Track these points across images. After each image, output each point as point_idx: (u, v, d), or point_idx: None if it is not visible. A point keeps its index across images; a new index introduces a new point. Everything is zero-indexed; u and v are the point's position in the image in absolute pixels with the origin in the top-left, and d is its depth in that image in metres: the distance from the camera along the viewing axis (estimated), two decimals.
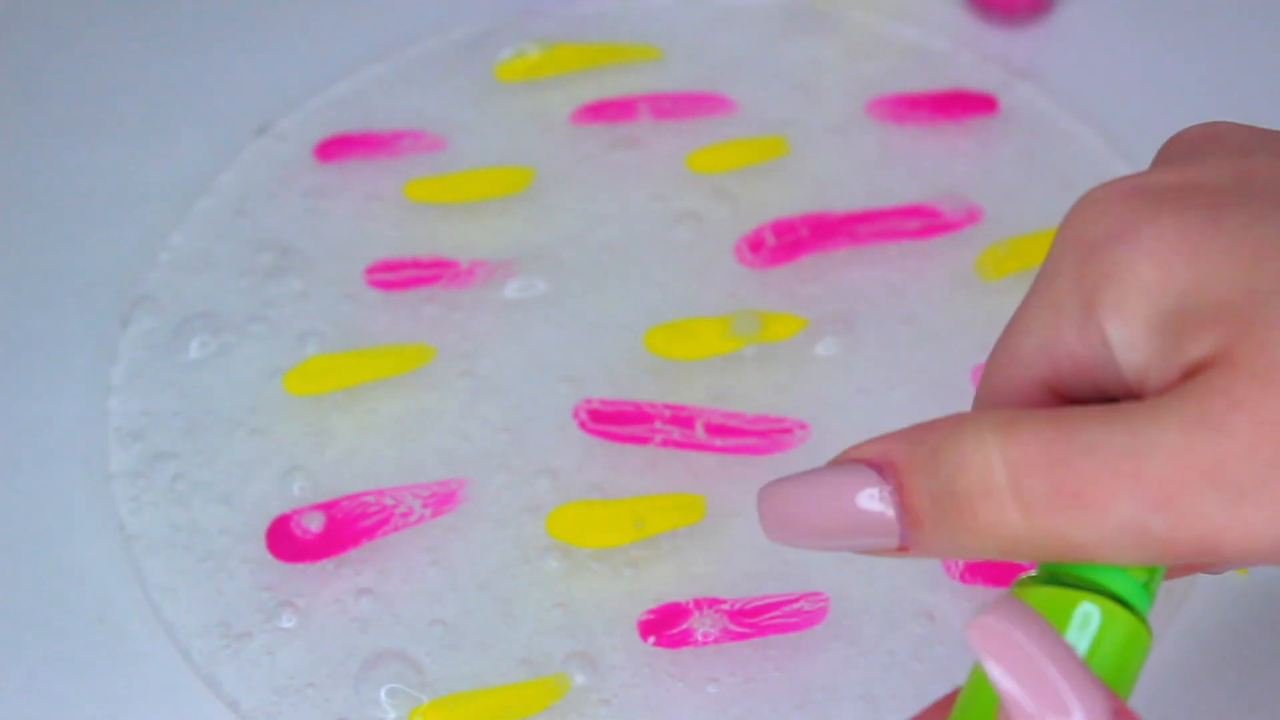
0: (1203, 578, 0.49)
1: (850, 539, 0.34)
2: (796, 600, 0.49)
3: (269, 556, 0.50)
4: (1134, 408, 0.32)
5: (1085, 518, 0.32)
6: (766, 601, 0.49)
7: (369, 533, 0.51)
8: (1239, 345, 0.32)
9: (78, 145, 0.61)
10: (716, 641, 0.48)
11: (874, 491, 0.34)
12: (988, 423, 0.33)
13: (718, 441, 0.52)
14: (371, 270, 0.57)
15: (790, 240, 0.57)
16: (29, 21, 0.65)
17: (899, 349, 0.54)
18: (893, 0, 0.65)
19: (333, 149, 0.60)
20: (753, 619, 0.48)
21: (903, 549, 0.34)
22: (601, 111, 0.61)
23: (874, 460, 0.34)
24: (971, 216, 0.57)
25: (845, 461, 0.34)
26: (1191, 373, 0.32)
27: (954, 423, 0.33)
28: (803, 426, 0.52)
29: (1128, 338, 0.33)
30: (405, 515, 0.51)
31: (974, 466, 0.32)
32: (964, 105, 0.61)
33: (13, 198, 0.60)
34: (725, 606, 0.49)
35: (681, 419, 0.52)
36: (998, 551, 0.33)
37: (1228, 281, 0.32)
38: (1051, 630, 0.32)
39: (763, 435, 0.52)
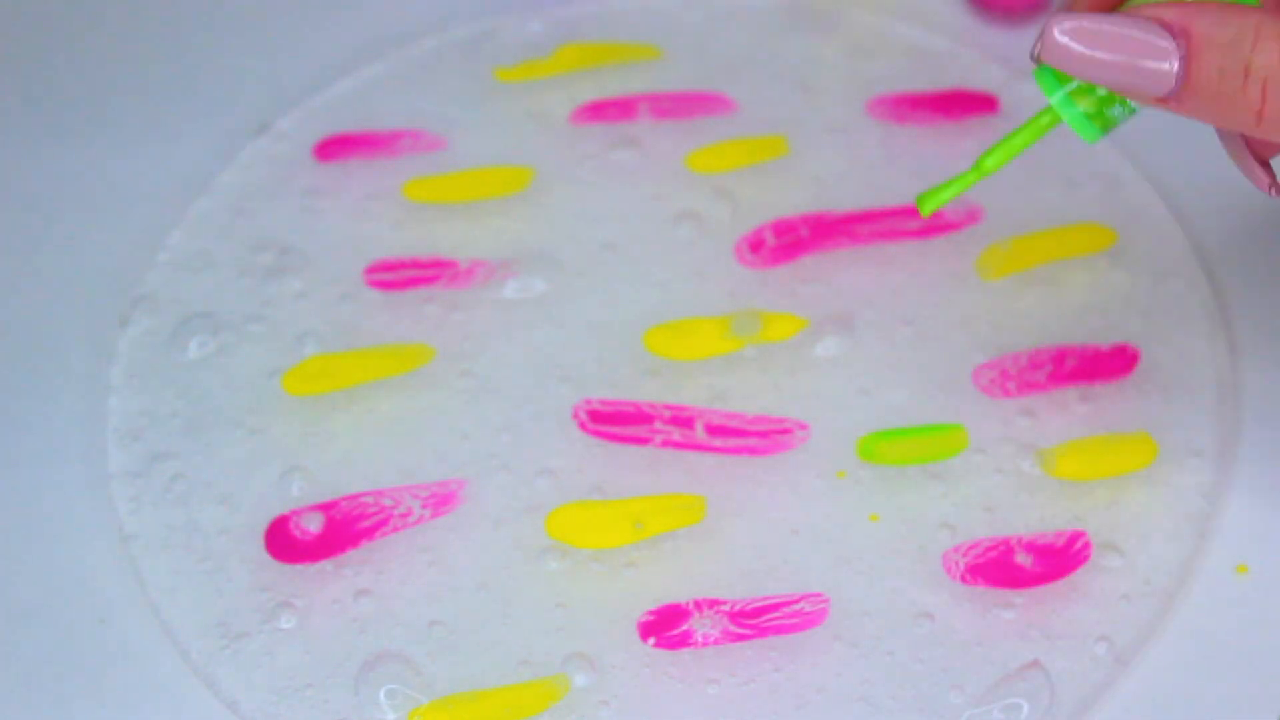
0: (1202, 578, 0.49)
1: (1127, 80, 0.39)
2: (796, 601, 0.49)
3: (268, 557, 0.50)
4: None
5: None
6: (767, 602, 0.49)
7: (368, 533, 0.50)
8: None
9: (77, 145, 0.61)
10: (716, 643, 0.48)
11: (1166, 45, 0.39)
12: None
13: (718, 442, 0.52)
14: (370, 270, 0.57)
15: (790, 240, 0.57)
16: (29, 21, 0.65)
17: (899, 349, 0.54)
18: (893, 0, 0.64)
19: (332, 148, 0.60)
20: (753, 620, 0.48)
21: (1162, 101, 0.39)
22: (601, 111, 0.61)
23: (1174, 25, 0.39)
24: (971, 216, 0.57)
25: (1143, 18, 0.39)
26: None
27: (1258, 18, 0.38)
28: (803, 427, 0.52)
29: None
30: (404, 516, 0.51)
31: (1278, 59, 0.38)
32: (964, 105, 0.61)
33: (12, 197, 0.60)
34: (725, 607, 0.48)
35: (681, 419, 0.52)
36: (1259, 129, 0.39)
37: None
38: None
39: (763, 436, 0.52)
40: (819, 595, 0.49)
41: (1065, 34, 0.39)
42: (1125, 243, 0.56)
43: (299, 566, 0.50)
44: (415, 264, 0.57)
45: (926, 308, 0.55)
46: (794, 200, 0.58)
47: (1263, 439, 0.52)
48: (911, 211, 0.57)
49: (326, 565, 0.50)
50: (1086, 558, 0.49)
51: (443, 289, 0.56)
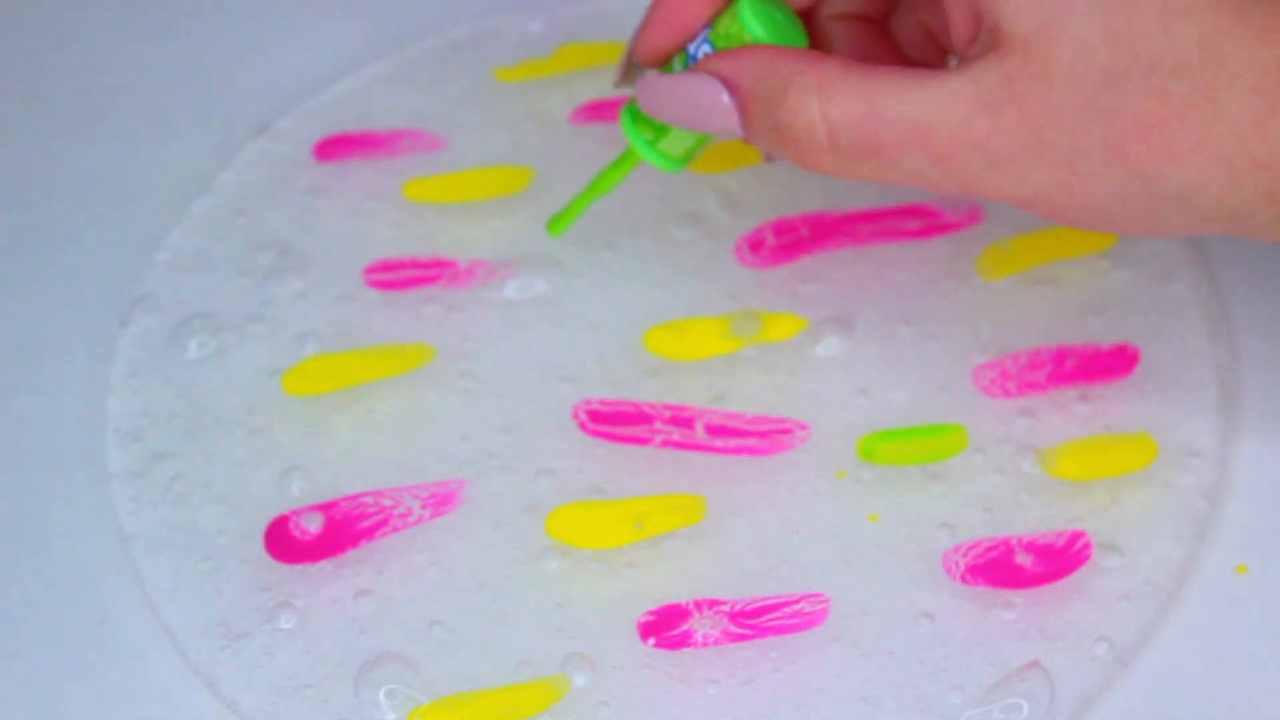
0: (1202, 578, 0.49)
1: (706, 124, 0.45)
2: (797, 601, 0.49)
3: (268, 557, 0.50)
4: (934, 88, 0.41)
5: (880, 164, 0.42)
6: (767, 603, 0.49)
7: (368, 534, 0.50)
8: (1036, 40, 0.41)
9: (76, 144, 0.61)
10: (717, 643, 0.48)
11: (725, 99, 0.44)
12: (814, 81, 0.42)
13: (718, 442, 0.52)
14: (370, 270, 0.57)
15: (791, 240, 0.57)
16: (29, 21, 0.65)
17: (900, 349, 0.54)
18: None
19: (332, 148, 0.60)
20: (753, 620, 0.48)
21: (745, 140, 0.45)
22: (601, 111, 0.61)
23: (726, 80, 0.44)
24: (972, 216, 0.57)
25: (703, 72, 0.45)
26: (994, 45, 0.41)
27: (788, 71, 0.43)
28: (803, 427, 0.52)
29: None
30: (404, 516, 0.51)
31: (800, 120, 0.43)
32: None
33: (12, 197, 0.60)
34: (725, 608, 0.48)
35: (681, 420, 0.52)
36: (812, 170, 0.44)
37: None
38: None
39: (763, 436, 0.52)
40: (819, 595, 0.49)
41: (645, 89, 0.46)
42: (1126, 242, 0.56)
43: (299, 566, 0.50)
44: (415, 264, 0.57)
45: (927, 308, 0.55)
46: (794, 200, 0.58)
47: (1263, 439, 0.52)
48: (912, 211, 0.57)
49: (326, 565, 0.50)
50: (1087, 558, 0.49)
51: (443, 289, 0.56)
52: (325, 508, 0.51)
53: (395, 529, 0.51)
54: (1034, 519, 0.50)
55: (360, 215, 0.59)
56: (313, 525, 0.50)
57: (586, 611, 0.49)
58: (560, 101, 0.61)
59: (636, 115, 0.48)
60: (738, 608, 0.48)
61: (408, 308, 0.56)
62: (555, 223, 0.50)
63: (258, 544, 0.50)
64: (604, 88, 0.61)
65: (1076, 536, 0.49)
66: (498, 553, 0.50)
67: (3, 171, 0.61)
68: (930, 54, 0.50)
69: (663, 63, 0.47)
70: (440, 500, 0.51)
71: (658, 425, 0.52)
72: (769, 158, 0.53)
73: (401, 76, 0.63)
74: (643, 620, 0.48)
